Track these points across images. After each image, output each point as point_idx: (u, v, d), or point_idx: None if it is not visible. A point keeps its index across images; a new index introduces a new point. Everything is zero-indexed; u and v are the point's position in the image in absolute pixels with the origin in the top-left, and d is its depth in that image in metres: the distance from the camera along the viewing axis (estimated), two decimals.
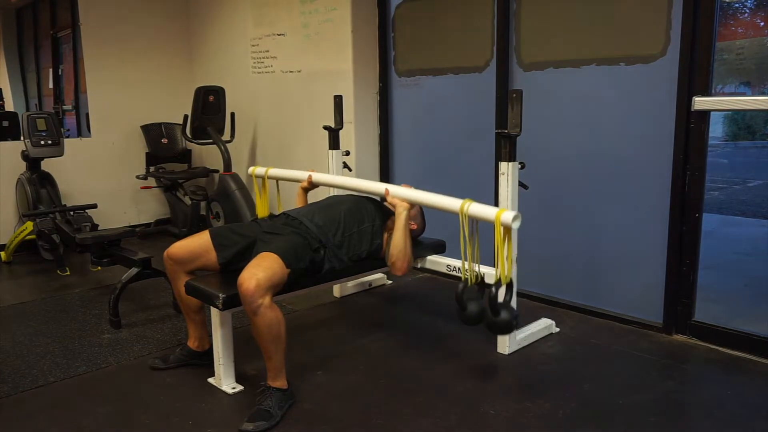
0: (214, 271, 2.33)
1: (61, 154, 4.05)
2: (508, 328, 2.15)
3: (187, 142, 4.70)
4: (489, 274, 2.66)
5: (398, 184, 3.81)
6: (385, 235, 2.51)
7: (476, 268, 2.19)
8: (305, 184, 2.78)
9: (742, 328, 2.52)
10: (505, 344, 2.53)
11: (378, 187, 2.52)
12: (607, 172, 2.85)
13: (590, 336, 2.71)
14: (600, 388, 2.23)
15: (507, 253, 2.06)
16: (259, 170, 3.02)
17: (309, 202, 2.81)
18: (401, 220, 2.37)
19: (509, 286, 2.11)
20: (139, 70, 4.87)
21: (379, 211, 2.55)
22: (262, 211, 2.98)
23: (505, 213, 2.04)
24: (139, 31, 4.83)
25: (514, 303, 2.49)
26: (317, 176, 2.77)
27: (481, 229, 2.17)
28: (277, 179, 2.99)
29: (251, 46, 4.49)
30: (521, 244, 2.47)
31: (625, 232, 2.82)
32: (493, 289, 2.08)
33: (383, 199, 2.48)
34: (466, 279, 2.17)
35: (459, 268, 2.69)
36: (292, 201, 2.83)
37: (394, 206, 2.41)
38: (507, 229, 2.04)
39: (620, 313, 2.86)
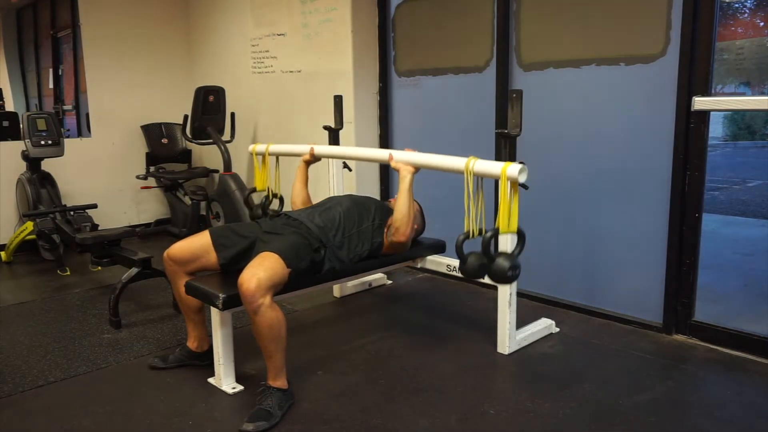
0: (214, 271, 2.33)
1: (61, 154, 4.05)
2: (502, 277, 2.05)
3: (187, 142, 4.70)
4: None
5: (398, 186, 3.84)
6: (386, 234, 2.51)
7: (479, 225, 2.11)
8: (307, 157, 2.79)
9: (742, 328, 2.52)
10: (505, 344, 2.53)
11: (381, 153, 2.52)
12: (607, 172, 2.85)
13: (590, 336, 2.71)
14: (600, 388, 2.23)
15: (513, 206, 2.02)
16: (260, 147, 3.02)
17: (309, 196, 2.84)
18: (405, 183, 2.35)
19: (521, 237, 2.06)
20: (139, 70, 4.87)
21: (379, 210, 2.55)
22: (260, 184, 2.98)
23: (510, 166, 2.01)
24: (139, 31, 4.84)
25: (513, 312, 2.50)
26: (319, 148, 2.78)
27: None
28: (278, 155, 2.99)
29: (251, 46, 4.49)
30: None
31: (625, 232, 2.82)
32: (489, 233, 2.03)
33: (387, 167, 2.44)
34: (468, 231, 2.10)
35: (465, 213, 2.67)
36: (291, 178, 2.85)
37: (398, 170, 2.39)
38: (514, 183, 2.01)
39: (620, 313, 2.85)
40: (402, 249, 2.53)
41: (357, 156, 2.64)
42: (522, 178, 2.00)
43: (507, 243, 2.31)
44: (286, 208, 2.90)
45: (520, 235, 2.08)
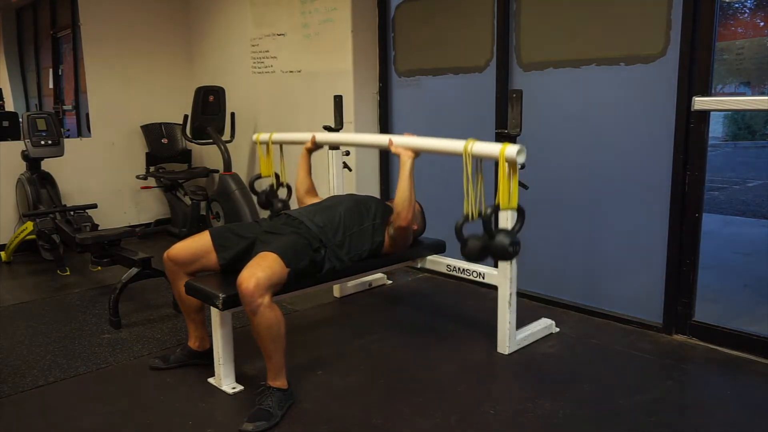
0: (214, 272, 2.33)
1: (61, 154, 4.05)
2: (503, 253, 2.04)
3: (187, 142, 4.70)
4: (488, 274, 2.66)
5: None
6: (386, 233, 2.51)
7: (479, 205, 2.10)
8: (309, 145, 2.83)
9: (742, 328, 2.52)
10: (505, 344, 2.53)
11: (381, 139, 2.54)
12: (607, 172, 2.85)
13: (590, 336, 2.71)
14: (600, 388, 2.23)
15: (513, 186, 2.01)
16: (263, 136, 3.05)
17: (312, 184, 2.87)
18: (406, 168, 2.36)
19: (520, 213, 2.06)
20: (139, 69, 4.87)
21: (380, 209, 2.55)
22: (265, 171, 3.02)
23: (509, 147, 2.01)
24: (139, 31, 4.83)
25: (513, 312, 2.50)
26: (321, 136, 2.81)
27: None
28: (282, 143, 3.03)
29: (251, 46, 4.49)
30: (521, 244, 2.46)
31: (625, 232, 2.82)
32: (489, 210, 2.02)
33: (387, 150, 2.45)
34: (467, 214, 2.08)
35: (459, 268, 2.70)
36: (293, 166, 2.89)
37: (399, 155, 2.40)
38: (512, 164, 2.01)
39: (620, 313, 2.85)
40: (402, 242, 2.53)
41: (357, 142, 2.69)
42: (520, 159, 1.99)
43: (506, 220, 2.31)
44: (292, 197, 2.97)
45: (520, 211, 2.07)
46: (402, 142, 2.42)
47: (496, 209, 2.05)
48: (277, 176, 3.02)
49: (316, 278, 2.34)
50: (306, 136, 2.85)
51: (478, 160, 2.13)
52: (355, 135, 2.74)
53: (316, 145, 2.84)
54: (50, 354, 2.61)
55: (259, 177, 3.04)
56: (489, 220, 2.03)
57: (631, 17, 2.68)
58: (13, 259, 4.14)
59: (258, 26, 4.40)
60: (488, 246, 2.03)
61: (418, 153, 2.39)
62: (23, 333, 2.85)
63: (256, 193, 3.06)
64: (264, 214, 3.30)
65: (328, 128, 3.19)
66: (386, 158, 3.91)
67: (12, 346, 2.71)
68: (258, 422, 1.96)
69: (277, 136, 3.01)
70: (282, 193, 3.02)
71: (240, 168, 4.63)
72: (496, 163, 2.09)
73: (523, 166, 2.08)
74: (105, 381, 2.37)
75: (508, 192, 2.02)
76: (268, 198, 2.97)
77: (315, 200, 2.75)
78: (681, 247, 2.60)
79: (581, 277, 3.01)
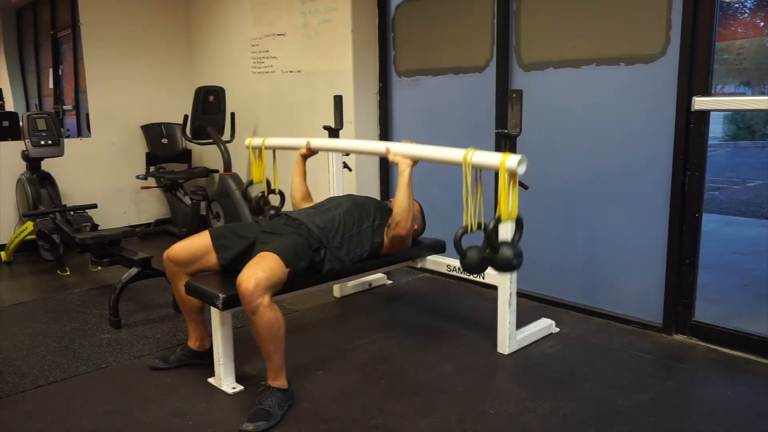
0: (214, 272, 2.33)
1: (61, 154, 4.05)
2: (507, 266, 2.01)
3: (187, 142, 4.70)
4: (487, 274, 2.66)
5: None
6: (386, 234, 2.51)
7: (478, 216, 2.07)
8: (304, 151, 2.75)
9: (742, 328, 2.52)
10: (505, 344, 2.53)
11: (378, 146, 2.47)
12: (607, 172, 2.85)
13: (590, 336, 2.71)
14: (600, 388, 2.23)
15: (513, 196, 1.98)
16: (256, 141, 2.97)
17: (308, 190, 2.81)
18: (405, 177, 2.31)
19: (519, 224, 2.02)
20: (139, 69, 4.87)
21: (379, 210, 2.55)
22: (257, 177, 2.95)
23: (510, 157, 1.95)
24: (139, 31, 4.84)
25: (513, 313, 2.50)
26: (316, 141, 2.74)
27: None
28: (275, 149, 2.96)
29: (251, 46, 4.49)
30: (521, 244, 2.45)
31: (625, 232, 2.82)
32: (492, 223, 1.98)
33: (386, 157, 2.42)
34: (466, 226, 2.05)
35: (459, 268, 2.70)
36: (289, 172, 2.83)
37: (396, 164, 2.35)
38: (512, 174, 1.97)
39: (620, 313, 2.85)
40: (401, 246, 2.52)
41: (354, 149, 2.58)
42: (521, 170, 1.95)
43: (506, 231, 2.29)
44: (287, 203, 2.89)
45: (519, 222, 2.03)
46: (400, 150, 2.36)
47: (498, 222, 2.01)
48: (268, 182, 2.94)
49: (316, 278, 2.34)
50: (300, 141, 2.77)
51: (478, 170, 2.08)
52: (351, 141, 2.64)
53: (311, 151, 2.76)
54: (50, 354, 2.61)
55: (251, 183, 2.98)
56: (492, 234, 1.99)
57: (631, 17, 2.68)
58: (13, 259, 4.14)
59: (258, 26, 4.40)
60: (492, 260, 2.00)
61: (416, 161, 2.33)
62: (23, 333, 2.85)
63: (248, 200, 2.98)
64: None
65: (328, 128, 3.19)
66: (386, 159, 3.90)
67: (12, 346, 2.71)
68: (258, 422, 1.96)
69: (271, 141, 2.92)
70: (274, 200, 2.95)
71: (240, 168, 4.63)
72: (496, 172, 2.06)
73: (525, 187, 2.04)
74: (105, 381, 2.37)
75: (508, 203, 1.99)
76: (260, 205, 2.90)
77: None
78: (681, 247, 2.60)
79: (581, 277, 3.01)
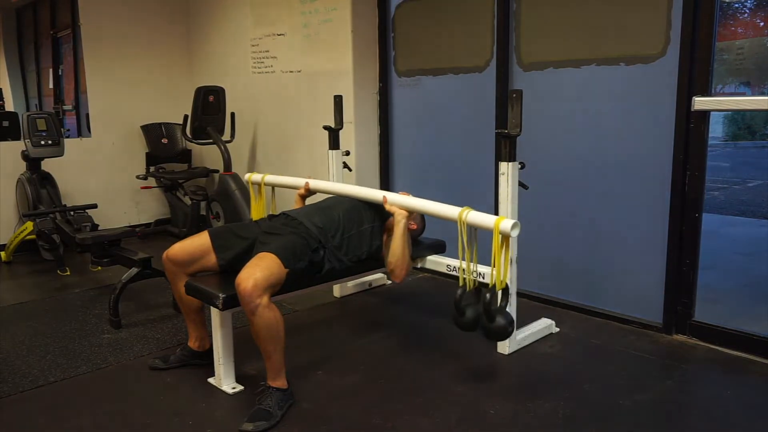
0: (214, 272, 2.33)
1: (61, 154, 4.05)
2: (503, 334, 2.17)
3: (187, 142, 4.70)
4: (488, 274, 2.66)
5: (398, 186, 3.85)
6: (385, 236, 2.51)
7: (474, 275, 2.19)
8: (302, 191, 2.76)
9: (742, 328, 2.52)
10: (505, 344, 2.53)
11: (376, 194, 2.49)
12: (607, 172, 2.85)
13: (590, 336, 2.71)
14: (600, 388, 2.23)
15: (504, 260, 2.06)
16: (256, 177, 3.02)
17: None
18: (400, 228, 2.34)
19: (505, 291, 2.13)
20: (140, 70, 4.87)
21: (379, 212, 2.54)
22: (256, 215, 2.97)
23: (504, 221, 2.04)
24: (139, 31, 4.83)
25: (513, 313, 2.50)
26: (314, 183, 2.75)
27: (480, 232, 2.16)
28: (274, 186, 3.00)
29: (251, 46, 4.49)
30: (521, 244, 2.46)
31: (625, 232, 2.82)
32: (488, 294, 2.09)
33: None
34: (464, 285, 2.17)
35: (459, 268, 2.70)
36: (289, 205, 2.81)
37: (392, 213, 2.39)
38: (506, 236, 2.05)
39: (620, 313, 2.85)
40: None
41: (352, 194, 2.60)
42: (514, 234, 2.04)
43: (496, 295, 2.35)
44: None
45: (505, 289, 2.14)
46: (397, 200, 2.39)
47: (493, 290, 2.11)
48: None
49: (316, 278, 2.34)
50: (299, 181, 2.79)
51: (473, 229, 2.17)
52: (349, 187, 2.66)
53: (310, 192, 2.76)
54: (50, 354, 2.61)
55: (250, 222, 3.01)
56: (490, 304, 2.10)
57: (631, 17, 2.68)
58: (13, 259, 4.14)
59: (258, 26, 4.40)
60: (488, 328, 2.13)
61: (411, 213, 2.38)
62: (23, 333, 2.85)
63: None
64: None
65: (328, 128, 3.19)
66: (386, 159, 3.91)
67: (12, 346, 2.71)
68: (258, 422, 1.96)
69: (270, 178, 2.96)
70: None
71: (240, 168, 4.63)
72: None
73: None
74: (105, 381, 2.37)
75: (501, 268, 2.08)
76: None
77: None
78: (681, 247, 2.60)
79: (581, 277, 3.01)
